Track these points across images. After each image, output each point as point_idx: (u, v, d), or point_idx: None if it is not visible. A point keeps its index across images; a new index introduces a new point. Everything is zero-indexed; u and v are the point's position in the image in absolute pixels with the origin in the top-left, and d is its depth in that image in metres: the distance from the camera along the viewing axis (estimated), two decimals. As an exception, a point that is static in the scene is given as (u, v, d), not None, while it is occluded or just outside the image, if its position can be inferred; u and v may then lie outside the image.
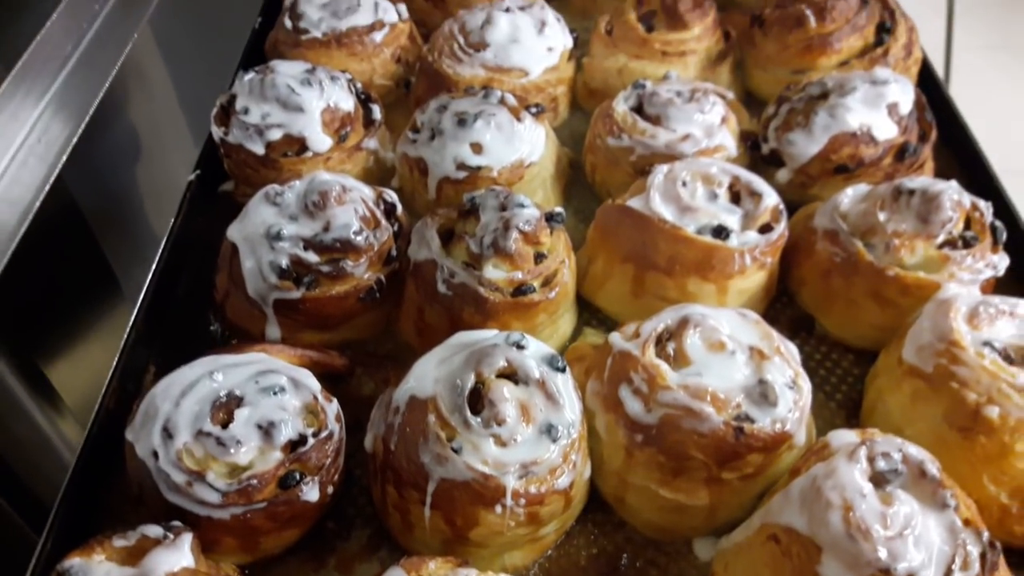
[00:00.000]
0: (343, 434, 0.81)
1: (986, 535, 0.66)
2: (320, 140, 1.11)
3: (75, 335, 1.53)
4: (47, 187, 0.80)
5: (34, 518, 1.31)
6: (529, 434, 0.76)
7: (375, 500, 0.82)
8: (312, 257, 0.92)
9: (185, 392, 0.77)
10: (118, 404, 0.90)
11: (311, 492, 0.75)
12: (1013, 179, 1.12)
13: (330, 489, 0.78)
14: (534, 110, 1.14)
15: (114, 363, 0.93)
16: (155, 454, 0.74)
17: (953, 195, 0.92)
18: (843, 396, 0.93)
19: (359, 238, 0.93)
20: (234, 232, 0.95)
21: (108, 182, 1.55)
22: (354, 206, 0.96)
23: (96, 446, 0.86)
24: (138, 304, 0.99)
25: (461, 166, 1.06)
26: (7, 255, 0.75)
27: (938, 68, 1.33)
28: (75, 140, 0.84)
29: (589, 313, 1.04)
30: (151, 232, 1.76)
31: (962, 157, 1.17)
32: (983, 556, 0.65)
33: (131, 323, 0.97)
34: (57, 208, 1.48)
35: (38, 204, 0.79)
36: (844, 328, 0.96)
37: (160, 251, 1.06)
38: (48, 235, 1.42)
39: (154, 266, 1.04)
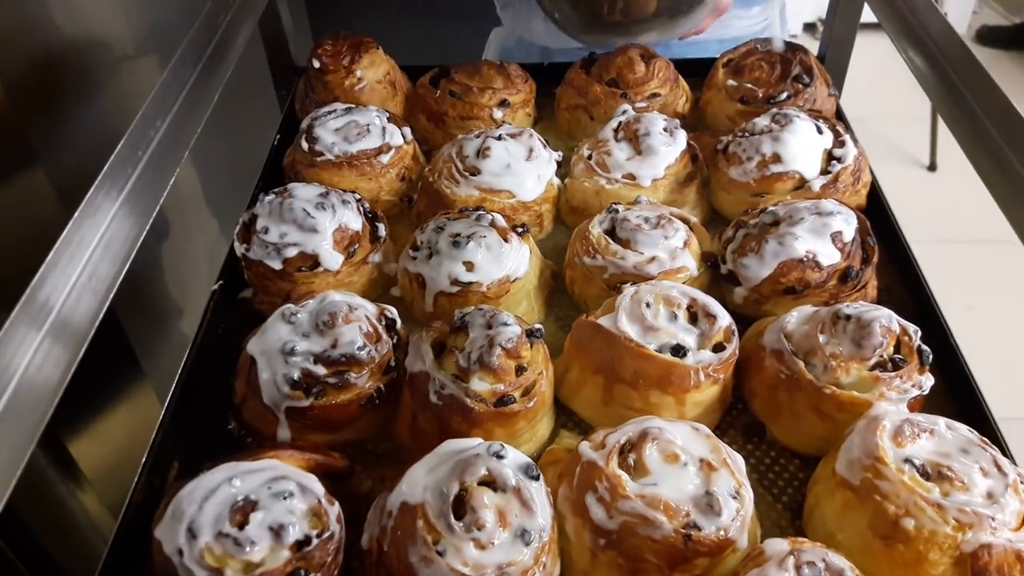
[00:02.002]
0: (343, 533, 0.92)
1: (895, 637, 0.77)
2: (331, 257, 1.25)
3: (101, 419, 1.65)
4: (103, 310, 0.93)
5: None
6: (505, 538, 0.87)
7: (370, 592, 0.92)
8: (320, 370, 1.05)
9: (207, 496, 0.89)
10: (145, 498, 1.01)
11: (314, 588, 0.86)
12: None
13: (330, 585, 0.88)
14: (520, 230, 1.28)
15: (143, 460, 1.04)
16: (180, 552, 0.86)
17: (884, 322, 1.05)
18: (788, 498, 1.04)
19: (362, 353, 1.06)
20: (253, 347, 1.09)
21: (140, 282, 1.70)
22: (359, 324, 1.09)
23: (126, 537, 0.97)
24: (165, 405, 1.12)
25: (455, 282, 1.20)
26: (76, 362, 0.88)
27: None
28: (128, 264, 0.99)
29: (566, 416, 1.16)
30: (173, 327, 1.91)
31: (903, 274, 1.31)
32: (892, 656, 0.76)
33: (159, 423, 1.09)
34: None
35: (96, 324, 0.92)
36: (790, 436, 1.08)
37: (185, 356, 1.19)
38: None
39: (179, 371, 1.17)
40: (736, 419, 1.14)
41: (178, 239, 2.04)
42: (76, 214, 0.95)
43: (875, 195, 1.44)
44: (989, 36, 5.57)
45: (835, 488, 0.94)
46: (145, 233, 1.03)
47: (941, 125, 4.48)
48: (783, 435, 1.09)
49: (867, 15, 1.67)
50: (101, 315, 0.93)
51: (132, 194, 1.03)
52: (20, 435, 0.79)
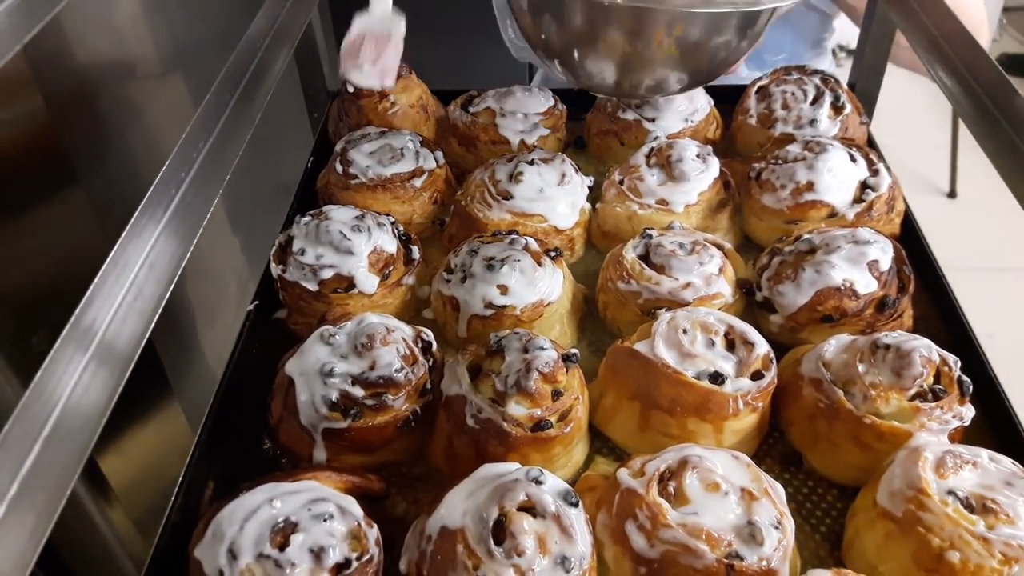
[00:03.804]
0: (381, 556, 0.92)
1: (944, 673, 0.76)
2: (366, 279, 1.26)
3: (130, 436, 1.66)
4: (148, 332, 0.94)
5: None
6: (545, 565, 0.86)
7: (408, 617, 0.92)
8: (359, 392, 1.06)
9: (248, 517, 0.89)
10: (182, 518, 1.02)
11: (353, 612, 0.86)
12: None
13: (369, 608, 0.88)
14: (553, 254, 1.29)
15: (179, 481, 1.05)
16: (221, 573, 0.86)
17: (924, 352, 1.04)
18: (827, 529, 1.03)
19: (400, 375, 1.07)
20: (292, 368, 1.09)
21: (172, 305, 1.72)
22: (396, 346, 1.09)
23: (163, 557, 0.97)
24: (200, 426, 1.12)
25: (489, 305, 1.21)
26: (122, 384, 0.89)
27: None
28: (172, 288, 1.00)
29: (600, 441, 1.15)
30: (201, 345, 1.92)
31: (938, 304, 1.30)
32: None
33: (194, 444, 1.10)
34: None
35: (142, 346, 0.93)
36: (828, 466, 1.07)
37: (221, 376, 1.20)
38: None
39: (215, 390, 1.18)
40: (773, 447, 1.13)
41: (205, 259, 2.06)
42: (123, 236, 0.96)
43: (908, 224, 1.44)
44: (1009, 64, 5.57)
45: (876, 519, 0.93)
46: (189, 255, 1.05)
47: (961, 152, 4.48)
48: (821, 464, 1.08)
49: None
50: (146, 337, 0.94)
51: (175, 216, 1.05)
52: (68, 456, 0.80)
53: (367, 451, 1.09)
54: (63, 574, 1.37)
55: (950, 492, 0.91)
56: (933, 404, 1.02)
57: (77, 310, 0.86)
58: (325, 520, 0.90)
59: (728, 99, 1.72)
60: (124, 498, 1.60)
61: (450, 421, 1.07)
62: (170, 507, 1.02)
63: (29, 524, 0.71)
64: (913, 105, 4.72)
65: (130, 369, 0.91)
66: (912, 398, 1.03)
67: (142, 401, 1.77)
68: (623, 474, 0.96)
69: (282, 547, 0.88)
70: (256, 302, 1.32)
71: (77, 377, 0.84)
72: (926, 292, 1.33)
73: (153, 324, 0.96)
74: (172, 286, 1.01)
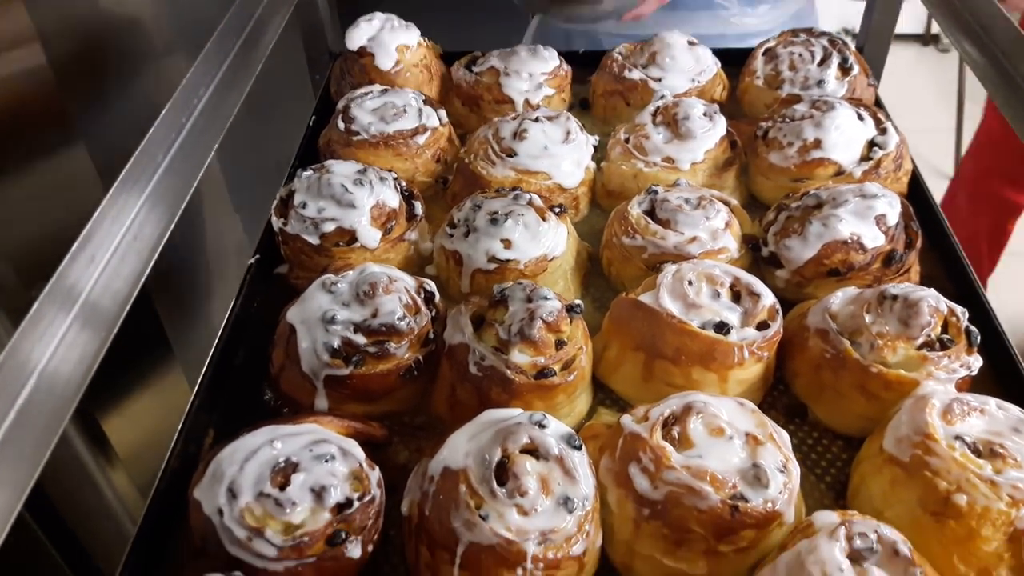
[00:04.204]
0: (383, 498, 0.91)
1: (951, 611, 0.75)
2: (368, 232, 1.25)
3: (133, 400, 1.66)
4: (143, 280, 0.93)
5: (80, 570, 1.41)
6: (548, 505, 0.86)
7: (408, 559, 0.91)
8: (361, 339, 1.05)
9: (248, 458, 0.89)
10: (181, 464, 1.01)
11: (354, 549, 0.85)
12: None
13: (370, 547, 0.88)
14: (557, 210, 1.28)
15: (179, 427, 1.04)
16: (220, 512, 0.85)
17: (931, 302, 1.03)
18: (832, 479, 1.02)
19: (402, 323, 1.06)
20: (293, 315, 1.08)
21: (168, 265, 1.71)
22: (399, 295, 1.08)
23: (163, 501, 0.97)
24: (201, 374, 1.12)
25: (492, 259, 1.20)
26: (108, 343, 0.88)
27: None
28: (167, 237, 0.98)
29: (603, 394, 1.14)
30: (203, 308, 1.91)
31: (946, 261, 1.29)
32: (948, 630, 0.74)
33: (195, 391, 1.09)
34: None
35: (134, 296, 0.92)
36: (833, 417, 1.06)
37: (222, 327, 1.19)
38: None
39: (216, 341, 1.17)
40: (777, 400, 1.12)
41: (206, 222, 2.05)
42: (122, 175, 0.95)
43: (916, 184, 1.42)
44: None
45: (882, 465, 0.92)
46: (179, 215, 1.03)
47: (966, 136, 4.44)
48: (826, 416, 1.07)
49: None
50: (135, 294, 0.92)
51: (167, 175, 1.03)
52: (49, 418, 0.78)
53: (369, 400, 1.08)
54: (65, 536, 1.37)
55: (957, 437, 0.90)
56: (941, 353, 1.00)
57: (61, 265, 0.84)
58: (326, 461, 0.89)
59: (735, 62, 1.70)
60: (128, 463, 1.60)
61: (453, 369, 1.06)
62: (169, 454, 1.01)
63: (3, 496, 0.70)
64: (918, 91, 4.68)
65: (117, 325, 0.89)
66: (919, 348, 1.02)
67: (143, 365, 1.76)
68: (627, 420, 0.95)
69: (283, 487, 0.87)
70: (257, 256, 1.31)
71: (61, 335, 0.82)
72: (933, 251, 1.32)
73: (151, 264, 0.95)
74: (163, 244, 0.99)
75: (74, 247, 0.86)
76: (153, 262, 0.96)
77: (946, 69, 4.50)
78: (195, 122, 1.13)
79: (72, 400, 0.82)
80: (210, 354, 1.15)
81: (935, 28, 5.14)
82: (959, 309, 1.05)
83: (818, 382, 1.07)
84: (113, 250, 0.92)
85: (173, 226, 1.02)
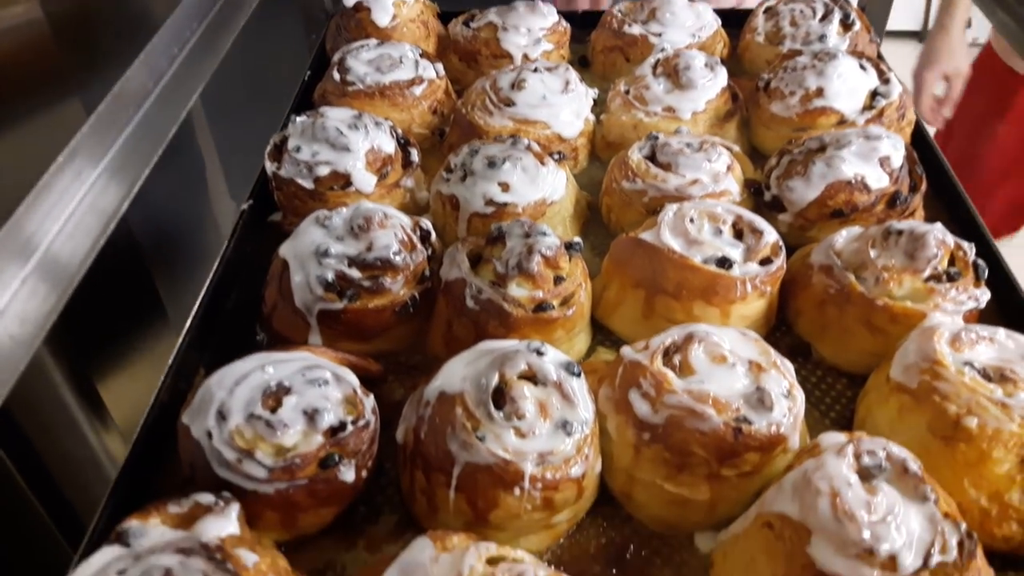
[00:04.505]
0: (378, 425, 0.89)
1: (964, 526, 0.73)
2: (363, 177, 1.23)
3: (128, 363, 1.63)
4: (113, 224, 0.90)
5: (70, 529, 1.38)
6: (546, 428, 0.83)
7: (403, 488, 0.89)
8: (355, 273, 1.02)
9: (239, 381, 0.86)
10: (171, 398, 0.99)
11: (348, 473, 0.83)
12: None
13: (364, 473, 0.85)
14: (557, 156, 1.26)
15: (169, 362, 1.02)
16: (209, 434, 0.83)
17: (938, 234, 1.01)
18: (836, 415, 1.00)
19: (398, 258, 1.04)
20: (286, 249, 1.06)
21: (162, 215, 1.68)
22: (394, 231, 1.06)
23: (151, 434, 0.94)
24: (192, 313, 1.09)
25: (489, 202, 1.17)
26: (70, 290, 0.84)
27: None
28: (141, 181, 0.95)
29: (603, 335, 1.12)
30: (196, 262, 1.89)
31: (951, 209, 1.27)
32: (960, 544, 0.72)
33: (185, 329, 1.06)
34: (116, 240, 1.61)
35: (103, 241, 0.89)
36: (838, 354, 1.04)
37: (214, 269, 1.17)
38: (105, 263, 1.54)
39: (207, 281, 1.14)
40: (780, 340, 1.10)
41: (206, 187, 2.03)
42: (72, 142, 0.91)
43: (920, 135, 1.40)
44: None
45: (889, 394, 0.90)
46: (147, 175, 0.99)
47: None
48: (831, 353, 1.05)
49: (894, 23, 1.66)
50: (129, 200, 0.90)
51: (140, 129, 1.00)
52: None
53: (364, 337, 1.05)
54: (55, 496, 1.35)
55: (966, 363, 0.87)
56: (948, 285, 0.98)
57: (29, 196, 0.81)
58: (319, 385, 0.87)
59: (735, 23, 1.69)
60: (122, 425, 1.57)
61: (449, 305, 1.04)
62: (159, 388, 0.99)
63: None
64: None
65: (99, 246, 0.86)
66: (926, 280, 1.00)
67: (139, 328, 1.73)
68: (626, 350, 0.93)
69: (274, 409, 0.85)
70: (251, 201, 1.28)
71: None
72: (939, 199, 1.30)
73: (136, 189, 0.92)
74: (140, 182, 0.96)
75: (29, 196, 0.83)
76: (141, 217, 0.94)
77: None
78: (174, 74, 1.10)
79: (25, 355, 0.78)
80: (200, 295, 1.12)
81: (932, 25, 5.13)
82: (966, 244, 1.03)
83: (822, 319, 1.04)
84: (77, 203, 0.89)
85: (141, 183, 0.99)
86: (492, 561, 0.72)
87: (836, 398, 1.02)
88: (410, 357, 1.09)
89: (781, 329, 1.11)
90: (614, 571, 0.83)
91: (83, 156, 0.89)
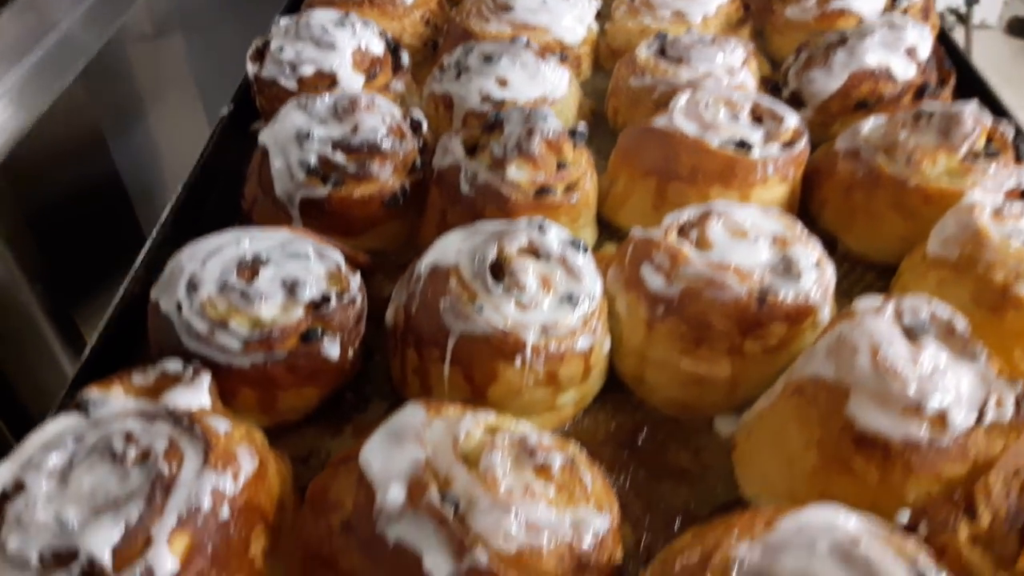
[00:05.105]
0: (365, 305, 0.81)
1: (1021, 384, 0.65)
2: (350, 77, 1.15)
3: (106, 292, 1.55)
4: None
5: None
6: (550, 301, 0.75)
7: (393, 373, 0.81)
8: (340, 157, 0.94)
9: (212, 255, 0.78)
10: (142, 289, 0.90)
11: (332, 349, 0.75)
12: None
13: (351, 352, 0.77)
14: (559, 56, 1.17)
15: (141, 255, 0.94)
16: (179, 306, 0.75)
17: (974, 111, 0.93)
18: (867, 304, 0.92)
19: (385, 142, 0.96)
20: (265, 135, 0.98)
21: (147, 155, 1.61)
22: (382, 115, 0.98)
23: (120, 324, 0.86)
24: (168, 208, 1.01)
25: (486, 99, 1.09)
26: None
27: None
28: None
29: (609, 233, 1.04)
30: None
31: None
32: (1018, 403, 0.64)
33: (160, 223, 0.99)
34: (100, 179, 1.53)
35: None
36: (866, 243, 0.96)
37: (190, 171, 1.09)
38: (89, 202, 1.46)
39: (184, 181, 1.06)
40: (802, 235, 1.02)
41: (192, 129, 1.95)
42: None
43: (944, 38, 1.32)
44: (1020, 27, 5.43)
45: (927, 271, 0.82)
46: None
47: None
48: (858, 243, 0.97)
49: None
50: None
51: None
52: None
53: (350, 232, 0.97)
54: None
55: (1009, 235, 0.79)
56: (987, 161, 0.90)
57: None
58: (301, 258, 0.79)
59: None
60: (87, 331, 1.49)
61: (443, 195, 0.96)
62: (130, 277, 0.91)
63: None
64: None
65: None
66: (962, 160, 0.92)
67: (121, 266, 1.66)
68: (636, 230, 0.85)
69: (250, 281, 0.77)
70: (231, 106, 1.20)
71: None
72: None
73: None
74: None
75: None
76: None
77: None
78: None
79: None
80: (177, 192, 1.04)
81: None
82: (1004, 122, 0.95)
83: (849, 207, 0.96)
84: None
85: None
86: (491, 431, 0.64)
87: (865, 289, 0.94)
88: (401, 256, 1.00)
89: (804, 223, 1.03)
90: (626, 454, 0.75)
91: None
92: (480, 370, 0.72)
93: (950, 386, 0.63)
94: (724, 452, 0.75)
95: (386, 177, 0.96)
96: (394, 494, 0.57)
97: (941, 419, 0.61)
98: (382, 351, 0.85)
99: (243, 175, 1.07)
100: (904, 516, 0.59)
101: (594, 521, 0.59)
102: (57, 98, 1.32)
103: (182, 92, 1.92)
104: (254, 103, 1.22)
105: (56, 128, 1.31)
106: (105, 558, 0.54)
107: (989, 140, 0.94)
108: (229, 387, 0.73)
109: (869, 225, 0.95)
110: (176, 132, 1.88)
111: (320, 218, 0.95)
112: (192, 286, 0.75)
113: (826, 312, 0.77)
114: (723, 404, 0.78)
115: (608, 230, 1.04)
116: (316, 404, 0.78)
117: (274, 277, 0.76)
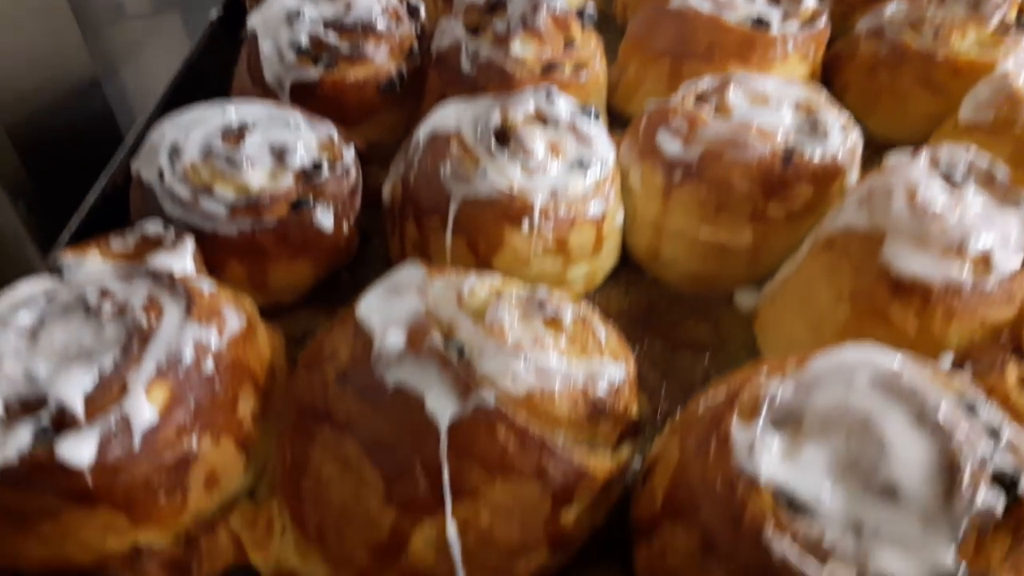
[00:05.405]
0: (360, 178, 0.76)
1: (1069, 234, 0.60)
2: (345, -29, 1.08)
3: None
4: None
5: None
6: (559, 166, 0.71)
7: (392, 253, 0.77)
8: (332, 37, 0.89)
9: (196, 122, 0.73)
10: (125, 180, 0.85)
11: (324, 219, 0.70)
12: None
13: (345, 227, 0.72)
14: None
15: (125, 143, 0.89)
16: (160, 174, 0.70)
17: (1006, -19, 0.87)
18: (893, 186, 0.87)
19: (380, 21, 0.90)
20: (254, 19, 0.92)
21: (137, 88, 1.55)
22: (377, -3, 0.93)
23: (102, 214, 0.82)
24: (153, 107, 0.96)
25: (488, -11, 1.03)
26: None
27: None
28: None
29: (620, 126, 0.99)
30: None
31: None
32: (1066, 248, 0.59)
33: (145, 121, 0.93)
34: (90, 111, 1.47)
35: None
36: (891, 124, 0.91)
37: (178, 71, 1.03)
38: (79, 133, 1.41)
39: (170, 80, 1.01)
40: (822, 123, 0.96)
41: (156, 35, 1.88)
42: None
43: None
44: None
45: (961, 135, 0.77)
46: None
47: None
48: (884, 125, 0.92)
49: None
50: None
51: None
52: None
53: (346, 120, 0.91)
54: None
55: (1050, 97, 0.74)
56: (1019, 32, 0.85)
57: None
58: (290, 126, 0.74)
59: None
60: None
61: (443, 76, 0.90)
62: (114, 170, 0.86)
63: None
64: None
65: None
66: (993, 33, 0.86)
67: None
68: (651, 101, 0.79)
69: (236, 146, 0.71)
70: (220, 10, 1.14)
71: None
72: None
73: None
74: None
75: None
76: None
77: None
78: None
79: None
80: (162, 92, 0.99)
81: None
82: (1037, -5, 0.89)
83: (874, 88, 0.91)
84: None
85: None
86: (496, 293, 0.60)
87: (890, 172, 0.89)
88: (398, 147, 0.96)
89: (823, 111, 0.98)
90: (641, 328, 0.71)
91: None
92: (484, 237, 0.68)
93: (994, 228, 0.58)
94: (745, 324, 0.71)
95: (381, 60, 0.91)
96: (393, 339, 0.52)
97: (985, 261, 0.57)
98: (380, 235, 0.81)
99: (231, 80, 1.02)
100: (947, 361, 0.55)
101: (608, 369, 0.54)
102: (50, 37, 1.26)
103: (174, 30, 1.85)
104: (243, 7, 1.16)
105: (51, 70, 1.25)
106: (76, 405, 0.50)
107: (1020, 13, 0.89)
108: (216, 259, 0.68)
109: (894, 105, 0.89)
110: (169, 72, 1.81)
111: (312, 105, 0.89)
112: (175, 152, 0.70)
113: (853, 177, 0.73)
114: (743, 276, 0.73)
115: (619, 122, 0.99)
116: (310, 283, 0.73)
117: (262, 143, 0.71)
